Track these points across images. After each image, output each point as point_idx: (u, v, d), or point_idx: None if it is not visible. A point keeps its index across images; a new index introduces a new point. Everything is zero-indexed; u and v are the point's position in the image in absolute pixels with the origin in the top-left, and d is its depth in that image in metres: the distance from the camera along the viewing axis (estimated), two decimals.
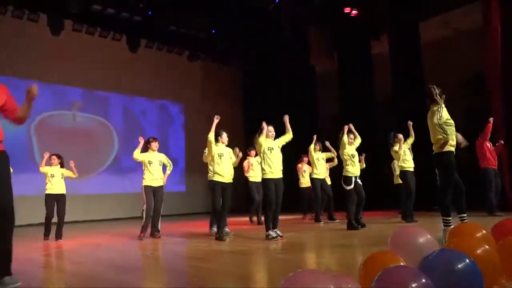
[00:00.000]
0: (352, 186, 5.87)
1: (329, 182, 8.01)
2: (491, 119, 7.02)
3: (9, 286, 2.58)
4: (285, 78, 12.14)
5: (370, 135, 9.18)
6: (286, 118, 5.36)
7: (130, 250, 3.43)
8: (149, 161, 5.98)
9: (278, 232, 4.96)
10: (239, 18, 11.09)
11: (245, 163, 7.58)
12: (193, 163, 10.17)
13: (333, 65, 11.98)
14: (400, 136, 6.75)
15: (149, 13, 10.55)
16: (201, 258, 3.89)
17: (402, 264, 1.75)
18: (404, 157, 6.71)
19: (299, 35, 11.79)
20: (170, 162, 6.28)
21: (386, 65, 10.45)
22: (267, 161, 5.01)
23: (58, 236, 5.98)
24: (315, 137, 7.55)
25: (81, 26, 10.46)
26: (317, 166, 7.45)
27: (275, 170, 5.01)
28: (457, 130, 5.67)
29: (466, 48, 9.83)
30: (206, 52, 12.70)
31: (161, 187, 6.04)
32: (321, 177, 7.51)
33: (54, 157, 6.25)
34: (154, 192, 5.96)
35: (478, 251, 1.76)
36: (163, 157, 6.19)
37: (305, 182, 8.26)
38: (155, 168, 5.98)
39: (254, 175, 7.38)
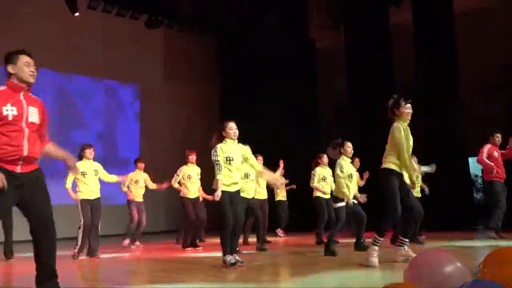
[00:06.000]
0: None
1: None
2: None
3: None
4: (275, 54, 12.12)
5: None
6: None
7: (66, 276, 3.44)
8: (83, 172, 6.76)
9: (237, 257, 5.20)
10: None
11: None
12: (151, 166, 10.03)
13: (338, 39, 12.03)
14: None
15: None
16: None
17: None
18: None
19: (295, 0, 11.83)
20: (108, 175, 7.15)
21: (408, 40, 10.51)
22: (224, 171, 5.20)
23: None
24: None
25: None
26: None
27: (232, 182, 5.25)
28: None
29: None
30: (171, 16, 12.62)
31: (98, 199, 6.92)
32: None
33: None
34: (91, 206, 6.81)
35: None
36: (99, 167, 7.06)
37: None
38: (90, 178, 6.84)
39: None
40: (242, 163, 5.34)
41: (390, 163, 4.93)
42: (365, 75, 10.95)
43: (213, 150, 5.26)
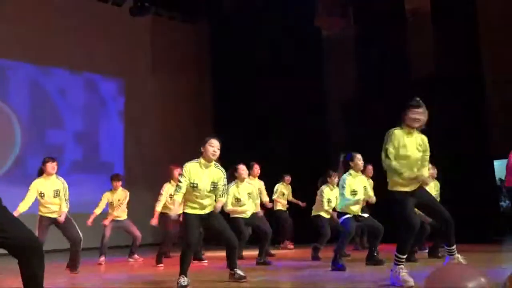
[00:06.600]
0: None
1: None
2: None
3: None
4: (275, 44, 12.12)
5: None
6: None
7: None
8: (41, 192, 6.60)
9: (239, 272, 5.22)
10: None
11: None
12: (136, 171, 9.79)
13: (348, 27, 12.02)
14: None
15: None
16: None
17: None
18: None
19: None
20: (67, 196, 6.74)
21: (427, 27, 10.46)
22: (190, 196, 5.17)
23: None
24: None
25: None
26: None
27: (200, 206, 5.23)
28: None
29: None
30: (159, 2, 12.59)
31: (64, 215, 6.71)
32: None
33: None
34: (57, 225, 6.65)
35: None
36: (62, 188, 6.69)
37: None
38: (49, 200, 6.59)
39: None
40: (211, 190, 5.14)
41: (394, 185, 4.80)
42: (376, 66, 10.95)
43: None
